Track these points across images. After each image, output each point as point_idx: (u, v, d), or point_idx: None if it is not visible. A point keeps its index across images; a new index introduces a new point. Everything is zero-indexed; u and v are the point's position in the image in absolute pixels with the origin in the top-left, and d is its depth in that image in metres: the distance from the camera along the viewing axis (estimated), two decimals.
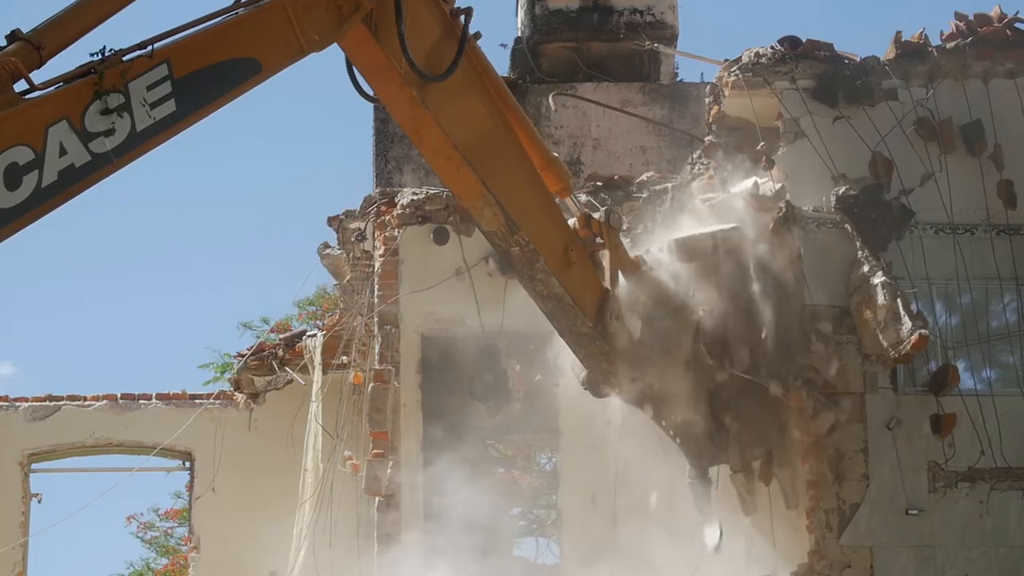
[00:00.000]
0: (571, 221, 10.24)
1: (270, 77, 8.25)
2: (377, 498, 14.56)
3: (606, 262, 10.17)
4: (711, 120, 13.26)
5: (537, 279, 9.76)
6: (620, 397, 10.77)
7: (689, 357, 10.33)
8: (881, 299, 11.75)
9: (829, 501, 11.81)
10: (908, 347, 11.69)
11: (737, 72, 12.72)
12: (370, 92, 9.16)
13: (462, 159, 9.24)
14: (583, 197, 11.40)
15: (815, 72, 12.67)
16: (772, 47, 12.73)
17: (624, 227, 10.65)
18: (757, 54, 12.71)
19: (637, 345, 10.20)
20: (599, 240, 10.16)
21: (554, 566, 16.56)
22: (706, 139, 13.46)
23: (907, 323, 11.69)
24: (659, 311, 10.35)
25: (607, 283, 10.10)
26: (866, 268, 11.94)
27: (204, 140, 50.63)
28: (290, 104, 51.73)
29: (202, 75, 7.82)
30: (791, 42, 12.73)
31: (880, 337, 11.82)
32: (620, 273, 10.29)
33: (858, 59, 12.82)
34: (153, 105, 7.62)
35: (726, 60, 13.11)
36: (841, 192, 12.16)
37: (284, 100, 52.25)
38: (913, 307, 11.87)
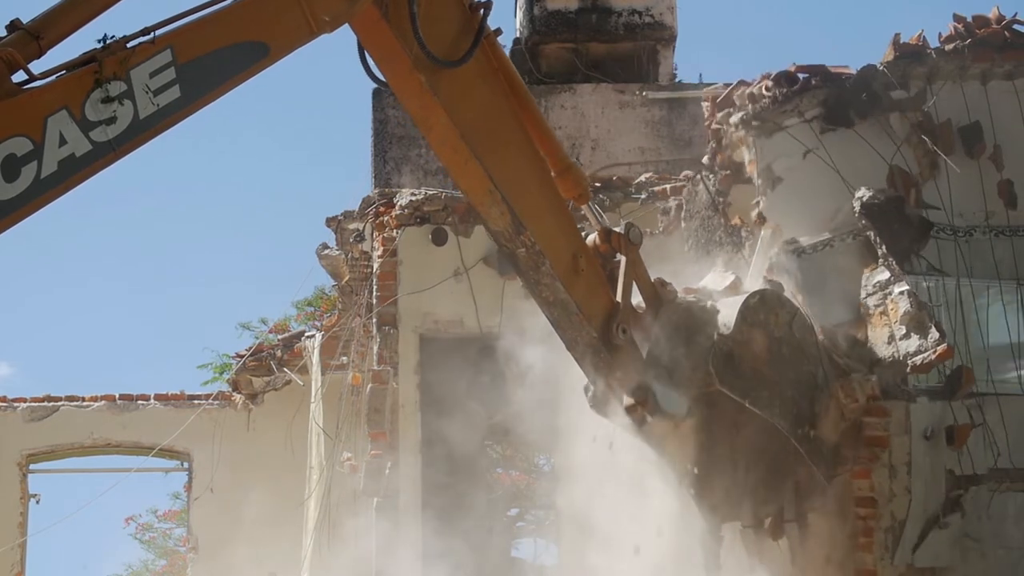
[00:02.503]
0: (591, 236, 9.89)
1: (278, 60, 8.09)
2: (375, 498, 14.56)
3: (620, 275, 9.86)
4: (716, 164, 13.13)
5: (543, 284, 9.54)
6: (627, 427, 10.31)
7: (700, 383, 9.90)
8: (905, 307, 11.63)
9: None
10: (933, 357, 11.52)
11: (741, 123, 12.54)
12: (382, 77, 9.01)
13: (469, 152, 9.05)
14: None
15: (819, 99, 12.57)
16: (768, 89, 12.56)
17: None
18: (752, 96, 12.54)
19: (645, 362, 9.84)
20: (619, 256, 9.86)
21: (552, 567, 16.58)
22: (717, 169, 13.29)
23: (934, 333, 11.56)
24: (675, 333, 9.99)
25: (618, 296, 9.80)
26: (887, 275, 11.85)
27: (202, 141, 50.67)
28: (289, 105, 51.75)
29: (207, 60, 7.68)
30: (788, 80, 12.57)
31: (898, 345, 11.65)
32: (638, 289, 9.93)
33: (853, 71, 12.78)
34: (156, 92, 7.49)
35: (724, 86, 13.01)
36: (866, 198, 12.07)
37: (283, 100, 52.27)
38: (934, 318, 11.76)
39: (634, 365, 9.75)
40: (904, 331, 11.61)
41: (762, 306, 10.22)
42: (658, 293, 10.02)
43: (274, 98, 52.27)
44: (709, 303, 10.31)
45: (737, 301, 10.23)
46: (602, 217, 10.06)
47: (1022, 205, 12.72)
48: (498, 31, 9.19)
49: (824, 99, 12.55)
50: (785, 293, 11.03)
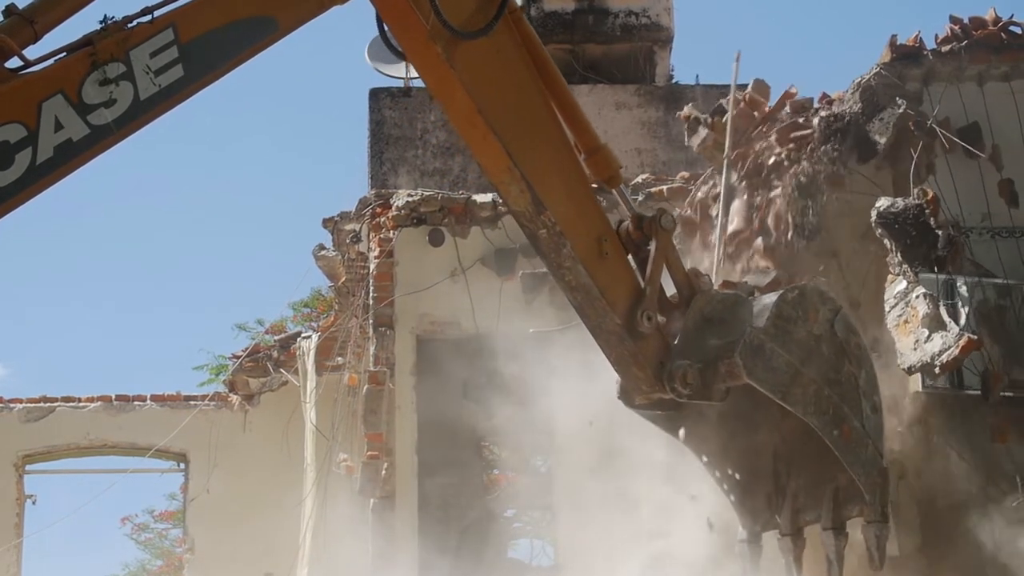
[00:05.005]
0: (625, 224, 9.50)
1: (287, 35, 7.88)
2: (372, 500, 14.55)
3: (650, 261, 9.45)
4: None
5: (565, 267, 9.20)
6: (655, 420, 9.99)
7: (728, 376, 9.43)
8: (924, 309, 11.58)
9: None
10: (957, 351, 11.46)
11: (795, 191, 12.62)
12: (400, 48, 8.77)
13: (487, 127, 8.78)
14: None
15: (848, 148, 12.60)
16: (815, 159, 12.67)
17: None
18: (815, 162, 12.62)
19: (673, 352, 9.44)
20: (652, 243, 9.44)
21: (549, 568, 16.58)
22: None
23: (953, 328, 11.50)
24: (706, 324, 9.59)
25: (645, 283, 9.40)
26: (904, 284, 11.82)
27: (199, 142, 50.65)
28: (285, 106, 51.78)
29: (212, 37, 7.52)
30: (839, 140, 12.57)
31: (924, 348, 11.55)
32: (670, 278, 9.57)
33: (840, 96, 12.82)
34: (158, 72, 7.35)
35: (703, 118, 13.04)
36: (883, 207, 12.03)
37: (280, 101, 52.28)
38: (955, 321, 11.68)
39: (660, 354, 9.41)
40: (927, 333, 11.51)
41: (801, 301, 9.81)
42: (691, 283, 9.66)
43: (271, 99, 52.30)
44: (745, 296, 9.97)
45: (775, 295, 9.88)
46: (632, 200, 9.74)
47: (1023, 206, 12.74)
48: (524, 7, 8.98)
49: (851, 143, 12.57)
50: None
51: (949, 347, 11.38)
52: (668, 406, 9.75)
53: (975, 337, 11.45)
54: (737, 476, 10.26)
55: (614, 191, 9.61)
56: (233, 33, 7.61)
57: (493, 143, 8.84)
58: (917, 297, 11.64)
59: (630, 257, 9.48)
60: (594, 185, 9.53)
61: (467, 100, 8.70)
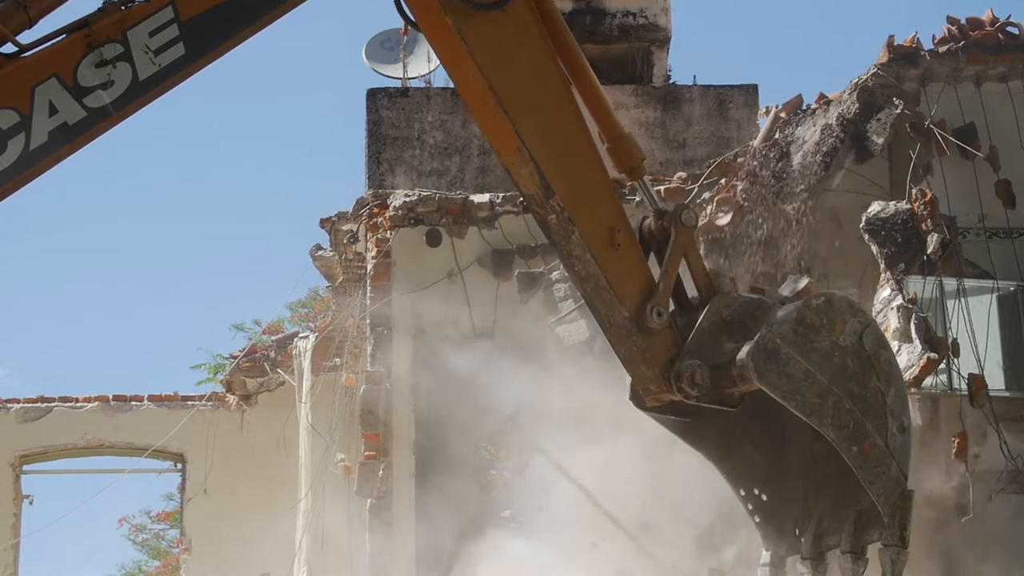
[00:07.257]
0: (647, 220, 9.14)
1: (296, 7, 7.71)
2: (369, 500, 14.56)
3: (666, 255, 9.08)
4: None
5: (575, 256, 8.87)
6: (668, 425, 9.55)
7: (739, 378, 8.99)
8: (895, 323, 11.56)
9: None
10: (916, 370, 11.44)
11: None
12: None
13: (498, 106, 8.53)
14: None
15: (847, 147, 12.64)
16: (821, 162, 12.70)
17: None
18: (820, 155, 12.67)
19: (684, 351, 9.01)
20: (674, 238, 9.06)
21: (547, 568, 16.56)
22: None
23: (918, 346, 11.47)
24: (723, 326, 9.14)
25: (659, 277, 9.02)
26: (887, 292, 11.82)
27: (196, 141, 50.68)
28: (282, 106, 51.78)
29: (215, 13, 7.37)
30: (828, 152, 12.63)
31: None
32: (691, 276, 9.15)
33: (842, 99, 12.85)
34: (158, 51, 7.25)
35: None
36: (872, 214, 12.00)
37: (277, 102, 52.31)
38: (930, 333, 11.61)
39: (670, 353, 9.00)
40: (897, 347, 11.49)
41: (828, 309, 9.29)
42: (712, 283, 9.23)
43: (268, 99, 52.32)
44: (769, 301, 9.53)
45: (800, 302, 9.42)
46: (655, 194, 9.39)
47: (1020, 206, 12.75)
48: None
49: (850, 146, 12.59)
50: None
51: (912, 365, 11.39)
52: (681, 411, 9.34)
53: (935, 356, 11.42)
54: (764, 497, 9.85)
55: (636, 183, 9.31)
56: (237, 8, 7.47)
57: (504, 122, 8.60)
58: (892, 309, 11.63)
59: (652, 255, 9.13)
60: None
61: (479, 77, 8.48)
